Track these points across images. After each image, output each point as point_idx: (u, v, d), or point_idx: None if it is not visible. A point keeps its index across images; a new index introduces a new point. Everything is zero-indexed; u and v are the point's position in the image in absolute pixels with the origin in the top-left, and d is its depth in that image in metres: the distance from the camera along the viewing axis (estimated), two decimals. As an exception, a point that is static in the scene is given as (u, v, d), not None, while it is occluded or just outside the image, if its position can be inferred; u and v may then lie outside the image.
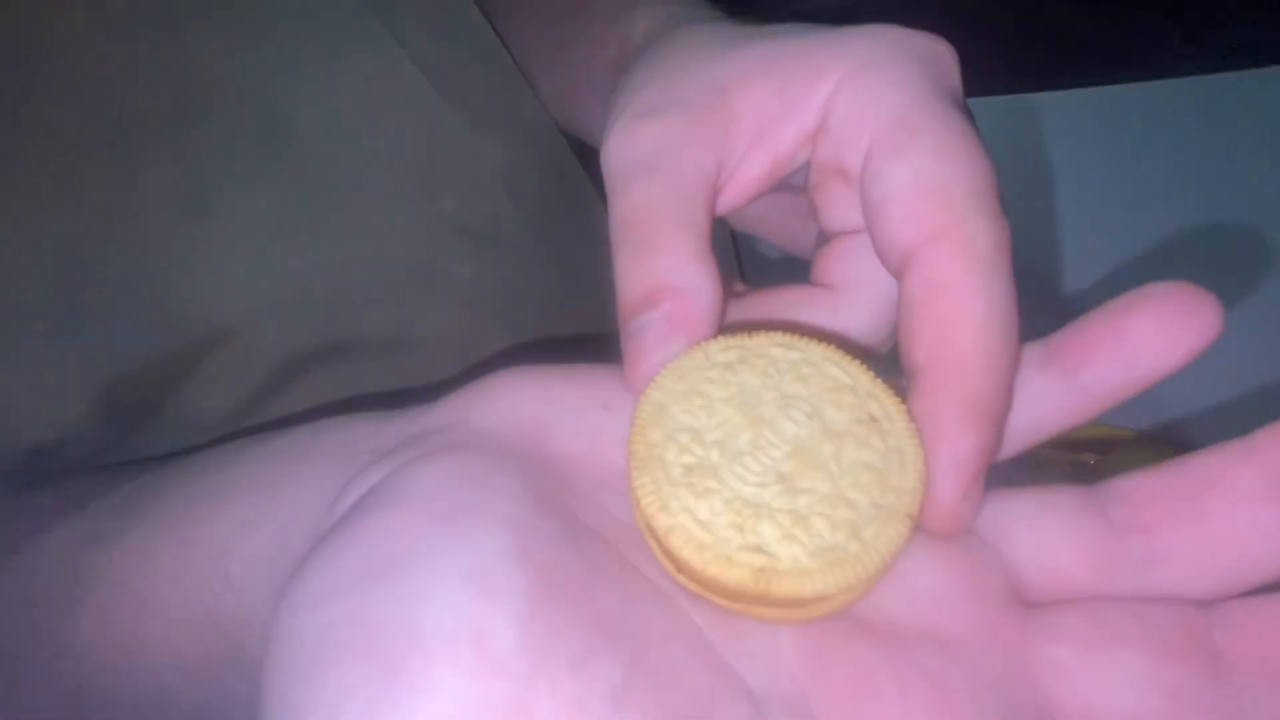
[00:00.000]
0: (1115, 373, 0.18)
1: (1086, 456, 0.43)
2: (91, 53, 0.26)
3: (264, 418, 0.28)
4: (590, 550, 0.16)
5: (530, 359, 0.20)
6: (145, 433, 0.27)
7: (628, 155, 0.21)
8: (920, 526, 0.17)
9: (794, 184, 0.23)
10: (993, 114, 0.39)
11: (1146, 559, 0.17)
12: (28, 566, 0.23)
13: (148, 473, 0.23)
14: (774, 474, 0.17)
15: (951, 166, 0.19)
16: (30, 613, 0.23)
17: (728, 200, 0.22)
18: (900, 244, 0.19)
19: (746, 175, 0.21)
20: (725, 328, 0.19)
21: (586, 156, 0.36)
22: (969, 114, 0.20)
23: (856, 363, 0.19)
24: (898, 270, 0.19)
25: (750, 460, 0.17)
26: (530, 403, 0.18)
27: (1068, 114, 0.63)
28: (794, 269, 0.24)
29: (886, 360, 0.20)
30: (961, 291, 0.18)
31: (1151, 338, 0.17)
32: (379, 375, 0.30)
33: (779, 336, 0.19)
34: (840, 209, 0.21)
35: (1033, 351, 0.19)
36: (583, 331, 0.34)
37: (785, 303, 0.22)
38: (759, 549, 0.16)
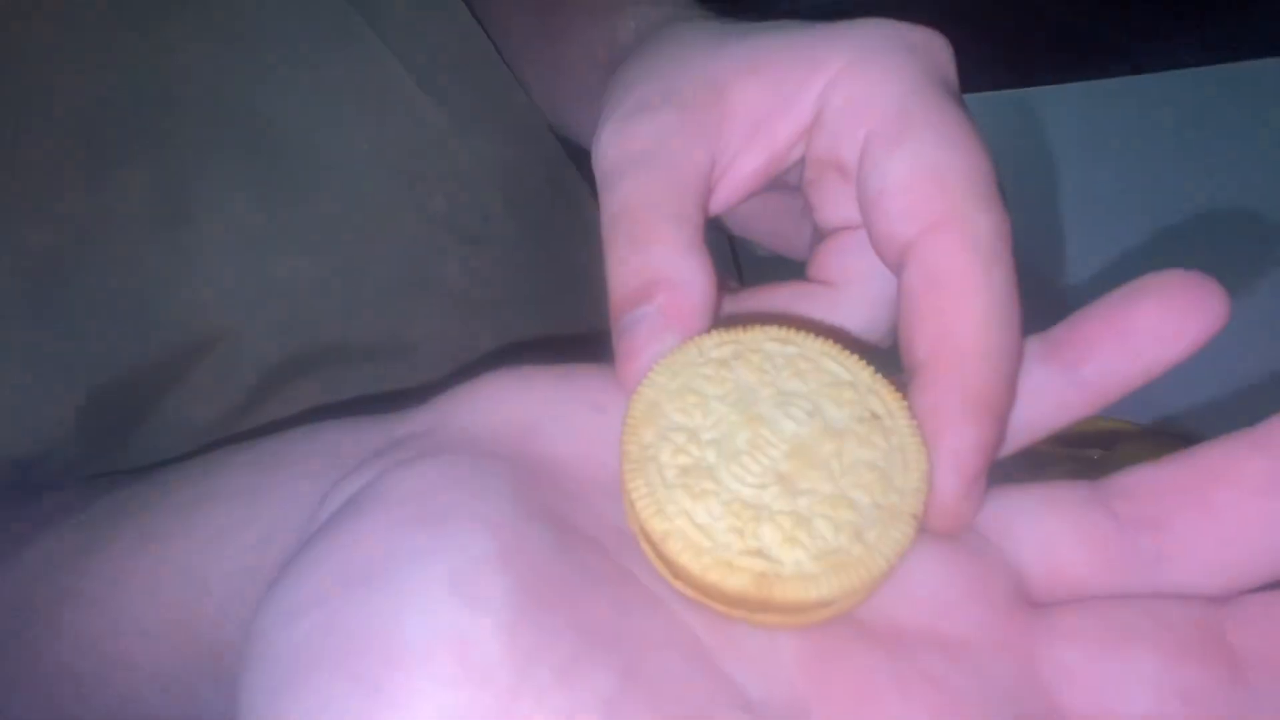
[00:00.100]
0: (1119, 365, 0.17)
1: (1090, 452, 0.42)
2: (61, 54, 0.25)
3: (251, 426, 0.28)
4: (580, 555, 0.16)
5: (520, 360, 0.19)
6: (130, 444, 0.27)
7: (620, 151, 0.20)
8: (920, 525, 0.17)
9: (787, 182, 0.23)
10: (989, 110, 0.39)
11: (1155, 555, 0.17)
12: (4, 584, 0.22)
13: (127, 485, 0.23)
14: (773, 474, 0.16)
15: (950, 157, 0.18)
16: (5, 631, 0.22)
17: (722, 198, 0.21)
18: (899, 236, 0.18)
19: (741, 172, 0.21)
20: (719, 322, 0.19)
21: (579, 155, 0.36)
22: (965, 107, 0.20)
23: (855, 358, 0.18)
24: (896, 263, 0.18)
25: (748, 460, 0.16)
26: (519, 404, 0.18)
27: (1064, 109, 0.63)
28: (792, 272, 0.24)
29: (883, 356, 0.19)
30: (963, 282, 0.17)
31: (1155, 328, 0.17)
32: (369, 380, 0.29)
33: (774, 331, 0.18)
34: (836, 204, 0.21)
35: (1034, 345, 0.18)
36: (575, 332, 0.33)
37: (781, 300, 0.21)
38: (760, 553, 0.15)
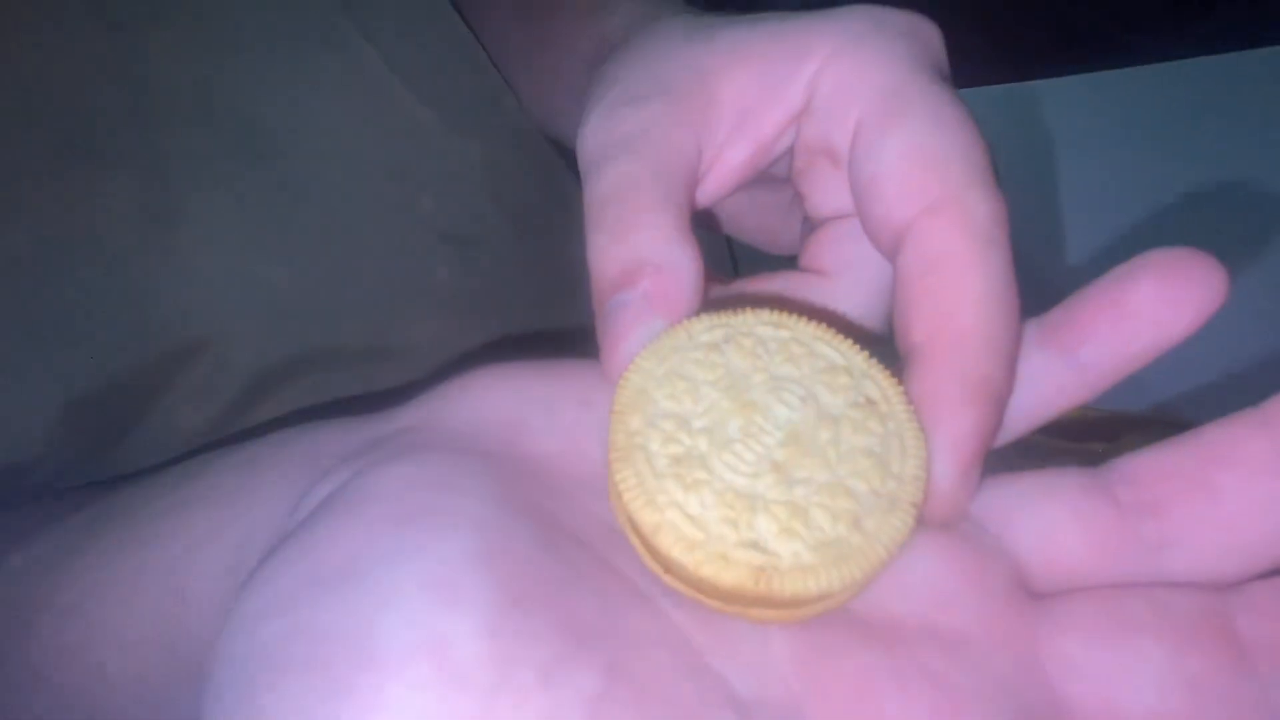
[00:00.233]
0: (1116, 347, 0.17)
1: (1094, 445, 0.42)
2: (41, 55, 0.25)
3: (240, 431, 0.27)
4: (565, 553, 0.15)
5: (507, 356, 0.19)
6: (119, 451, 0.26)
7: (605, 137, 0.20)
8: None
9: (774, 175, 0.22)
10: (984, 104, 0.39)
11: (1159, 541, 0.16)
12: None
13: (111, 493, 0.23)
14: (768, 463, 0.16)
15: (946, 140, 0.18)
16: None
17: (710, 189, 0.21)
18: (895, 219, 0.18)
19: (729, 163, 0.21)
20: (707, 305, 0.18)
21: (568, 156, 0.35)
22: (956, 91, 0.20)
23: (849, 342, 0.17)
24: (891, 248, 0.18)
25: (741, 448, 0.16)
26: (503, 400, 0.18)
27: (1060, 102, 0.63)
28: (788, 267, 0.23)
29: (877, 343, 0.19)
30: (961, 264, 0.17)
31: (1152, 307, 0.17)
32: (359, 383, 0.29)
33: (766, 314, 0.18)
34: (827, 192, 0.21)
35: (1030, 330, 0.18)
36: (563, 327, 0.33)
37: (774, 290, 0.21)
38: (756, 545, 0.15)
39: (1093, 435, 0.42)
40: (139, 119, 0.26)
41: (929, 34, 0.20)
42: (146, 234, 0.26)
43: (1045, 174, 0.60)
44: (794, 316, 0.18)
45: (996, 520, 0.17)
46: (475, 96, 0.33)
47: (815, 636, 0.15)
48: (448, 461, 0.16)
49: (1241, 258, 0.54)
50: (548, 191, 0.35)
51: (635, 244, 0.18)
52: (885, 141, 0.18)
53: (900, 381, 0.17)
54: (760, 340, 0.17)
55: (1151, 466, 0.17)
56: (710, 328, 0.17)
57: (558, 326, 0.34)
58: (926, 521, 0.17)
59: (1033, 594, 0.17)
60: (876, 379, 0.17)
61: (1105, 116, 0.63)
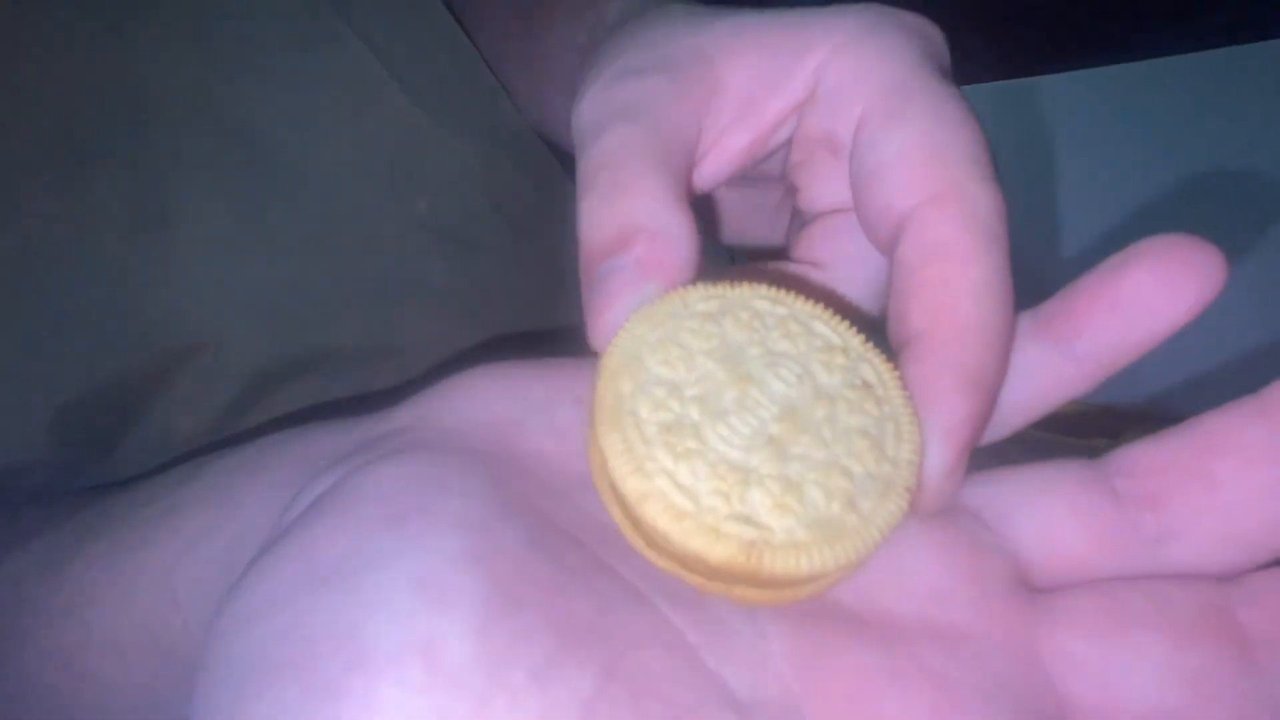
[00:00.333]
0: (1113, 336, 0.17)
1: (1096, 441, 0.42)
2: (31, 56, 0.25)
3: (236, 433, 0.27)
4: (559, 552, 0.15)
5: (502, 355, 0.19)
6: (114, 455, 0.26)
7: (604, 108, 0.19)
8: None
9: (765, 172, 0.22)
10: (984, 101, 0.38)
11: (1158, 534, 0.16)
12: None
13: (104, 498, 0.23)
14: (764, 437, 0.15)
15: (949, 133, 0.18)
16: None
17: (708, 173, 0.21)
18: (896, 208, 0.18)
19: (728, 149, 0.21)
20: (701, 278, 0.18)
21: (563, 156, 0.35)
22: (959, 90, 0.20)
23: (846, 324, 0.17)
24: (889, 238, 0.18)
25: (736, 420, 0.15)
26: (497, 399, 0.17)
27: (1058, 98, 0.63)
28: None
29: (873, 330, 0.19)
30: (962, 255, 0.17)
31: (1148, 295, 0.16)
32: (355, 384, 0.29)
33: (764, 289, 0.17)
34: (825, 185, 0.21)
35: (1025, 322, 0.18)
36: (557, 326, 0.33)
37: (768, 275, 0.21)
38: (748, 519, 0.14)
39: (1094, 431, 0.42)
40: (131, 121, 0.26)
41: (933, 34, 0.20)
42: (140, 237, 0.26)
43: (1043, 169, 0.60)
44: (792, 294, 0.17)
45: (995, 515, 0.17)
46: (470, 98, 0.33)
47: (813, 635, 0.15)
48: (440, 461, 0.16)
49: (1239, 252, 0.54)
50: (543, 192, 0.35)
51: (630, 209, 0.17)
52: (889, 134, 0.18)
53: (895, 367, 0.17)
54: (757, 314, 0.17)
55: (1149, 458, 0.16)
56: (706, 298, 0.17)
57: (553, 326, 0.33)
58: (915, 509, 0.16)
59: (1032, 589, 0.16)
60: (873, 362, 0.17)
61: (1102, 112, 0.63)
